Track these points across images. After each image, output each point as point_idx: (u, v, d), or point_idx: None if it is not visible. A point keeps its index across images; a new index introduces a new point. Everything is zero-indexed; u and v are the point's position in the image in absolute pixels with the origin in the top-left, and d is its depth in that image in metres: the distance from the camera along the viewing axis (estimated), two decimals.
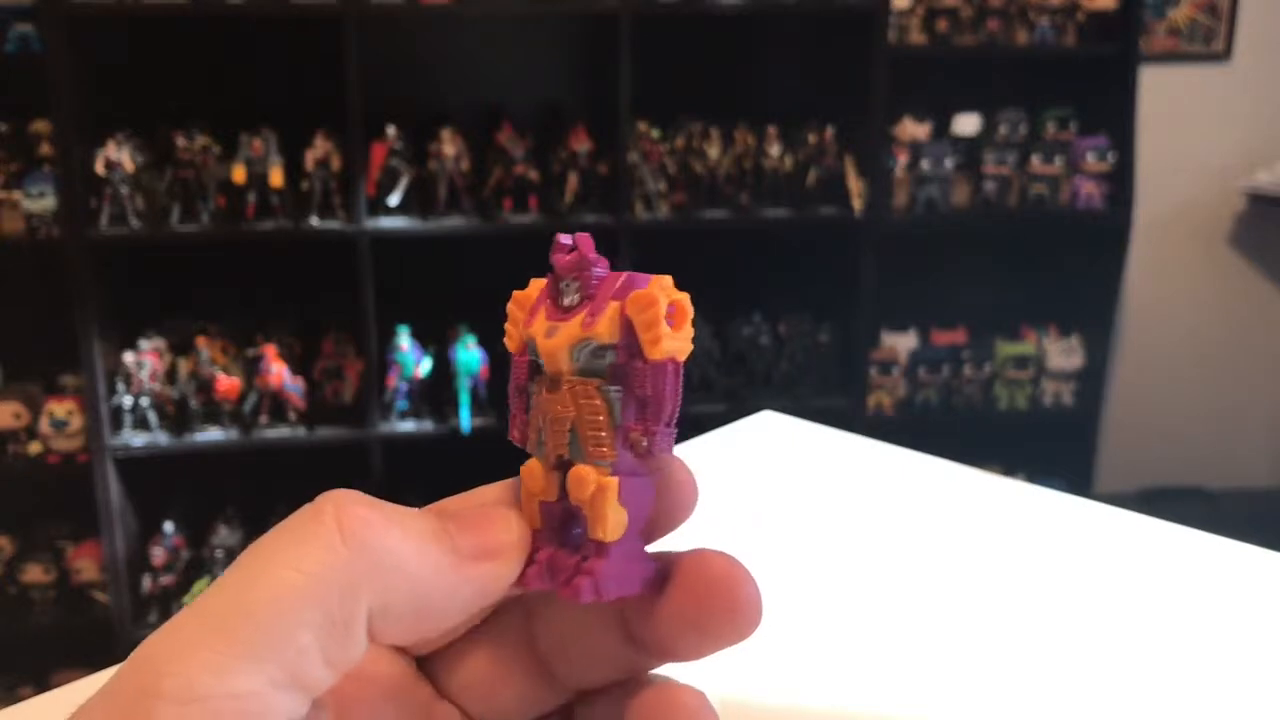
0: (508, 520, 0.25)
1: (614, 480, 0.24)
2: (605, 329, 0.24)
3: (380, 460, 2.18)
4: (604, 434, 0.24)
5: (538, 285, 0.26)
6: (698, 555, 0.25)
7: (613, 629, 0.26)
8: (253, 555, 0.23)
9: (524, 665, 0.26)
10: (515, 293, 0.26)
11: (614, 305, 0.24)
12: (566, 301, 0.25)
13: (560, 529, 0.25)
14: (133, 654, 0.22)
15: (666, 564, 0.25)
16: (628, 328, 0.24)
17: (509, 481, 0.27)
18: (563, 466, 0.25)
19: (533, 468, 0.25)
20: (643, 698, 0.25)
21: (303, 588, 0.22)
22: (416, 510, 0.24)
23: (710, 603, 0.24)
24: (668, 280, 0.24)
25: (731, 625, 0.24)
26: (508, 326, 0.26)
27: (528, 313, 0.26)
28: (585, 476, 0.24)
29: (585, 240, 0.25)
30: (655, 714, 0.25)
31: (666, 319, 0.24)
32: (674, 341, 0.24)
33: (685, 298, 0.24)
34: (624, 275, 0.25)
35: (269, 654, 0.21)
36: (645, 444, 0.24)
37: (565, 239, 0.26)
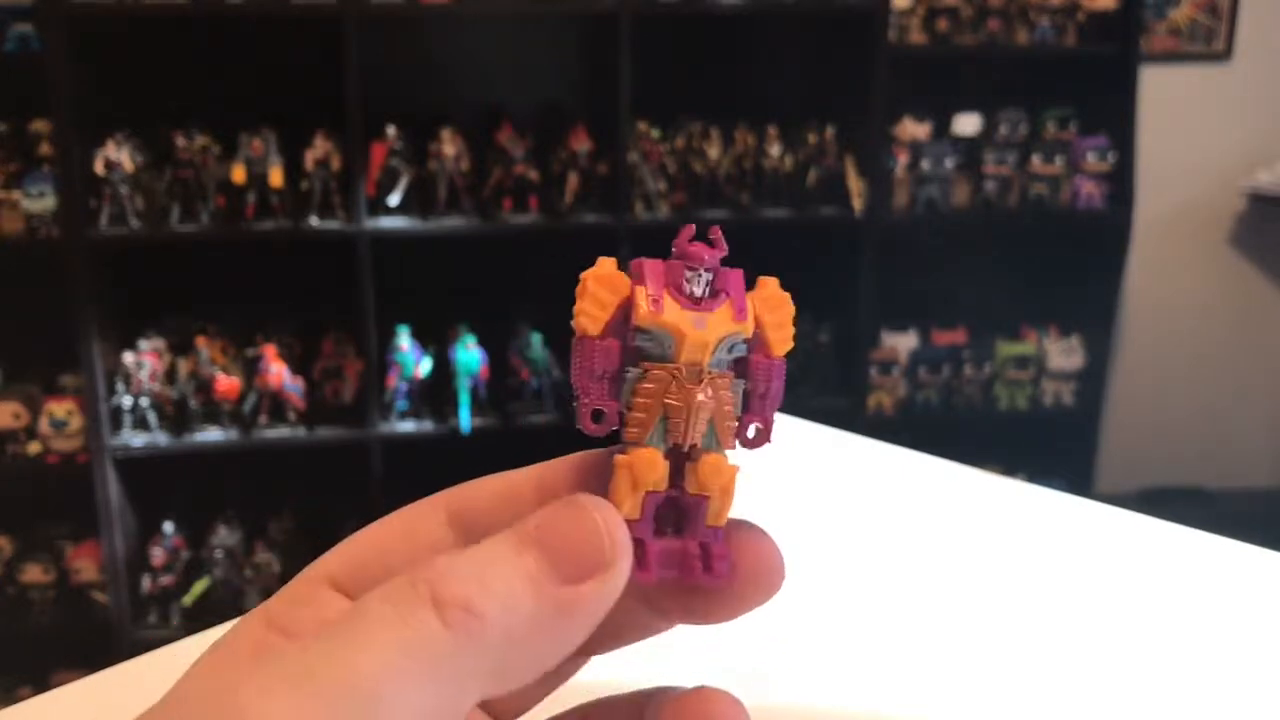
0: (604, 521, 0.23)
1: (737, 467, 0.25)
2: (752, 324, 0.25)
3: (380, 460, 2.18)
4: (734, 424, 0.25)
5: (611, 264, 0.25)
6: (728, 528, 0.26)
7: (632, 599, 0.25)
8: (351, 627, 0.21)
9: None
10: (595, 271, 0.25)
11: (751, 301, 0.25)
12: (698, 292, 0.25)
13: (657, 520, 0.25)
14: (197, 678, 0.21)
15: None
16: (755, 324, 0.26)
17: (559, 465, 0.26)
18: (670, 456, 0.25)
19: (653, 457, 0.25)
20: (681, 707, 0.25)
21: (405, 672, 0.20)
22: (502, 541, 0.22)
23: (746, 577, 0.25)
24: (776, 281, 0.26)
25: (767, 593, 0.25)
26: (588, 307, 0.25)
27: (633, 296, 0.25)
28: (722, 464, 0.25)
29: (718, 233, 0.26)
30: None
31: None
32: (792, 341, 0.26)
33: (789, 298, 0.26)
34: (739, 271, 0.26)
35: None
36: (761, 434, 0.26)
37: (692, 228, 0.26)
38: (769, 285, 0.26)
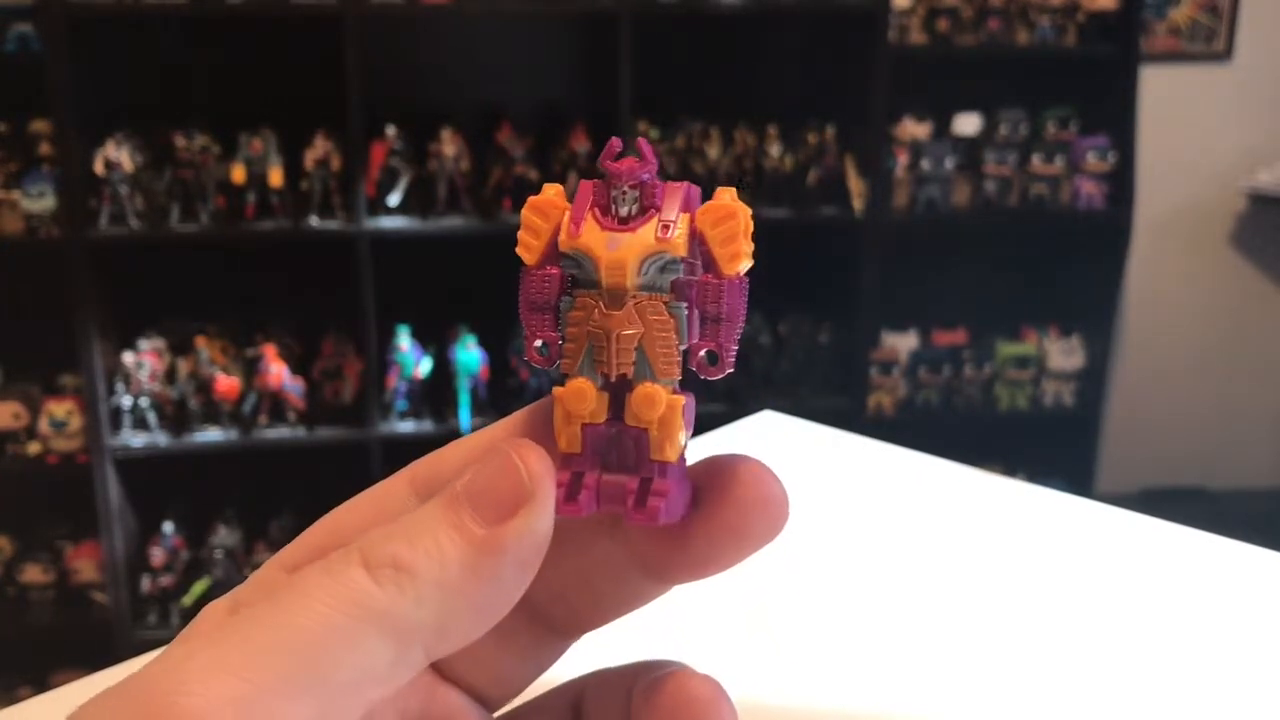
0: (521, 459, 0.22)
1: (682, 398, 0.24)
2: (682, 242, 0.23)
3: (380, 461, 2.18)
4: (673, 352, 0.24)
5: (555, 191, 0.24)
6: (724, 464, 0.24)
7: (621, 557, 0.25)
8: (285, 594, 0.21)
9: (521, 620, 0.25)
10: (532, 198, 0.24)
11: (685, 217, 0.23)
12: (624, 211, 0.24)
13: (601, 453, 0.24)
14: (154, 661, 0.21)
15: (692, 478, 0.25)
16: (697, 241, 0.24)
17: (513, 418, 0.25)
18: (610, 387, 0.24)
19: (583, 388, 0.23)
20: (657, 690, 0.24)
21: (345, 629, 0.20)
22: (434, 505, 0.22)
23: (750, 510, 0.24)
24: (733, 192, 0.24)
25: (769, 527, 0.24)
26: (524, 236, 0.24)
27: (562, 221, 0.24)
28: (656, 395, 0.23)
29: (646, 146, 0.24)
30: (672, 706, 0.24)
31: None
32: (748, 257, 0.24)
33: (749, 211, 0.24)
34: (684, 185, 0.24)
35: (303, 692, 0.20)
36: (718, 361, 0.24)
37: (618, 143, 0.24)
38: (716, 198, 0.24)
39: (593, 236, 0.23)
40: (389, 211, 2.13)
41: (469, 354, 2.17)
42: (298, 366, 2.19)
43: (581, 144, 2.18)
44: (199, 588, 2.14)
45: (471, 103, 2.30)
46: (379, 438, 2.17)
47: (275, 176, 2.07)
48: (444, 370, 2.20)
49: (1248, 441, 2.92)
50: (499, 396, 2.24)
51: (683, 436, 0.24)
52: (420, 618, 0.21)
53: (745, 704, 0.44)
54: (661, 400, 0.23)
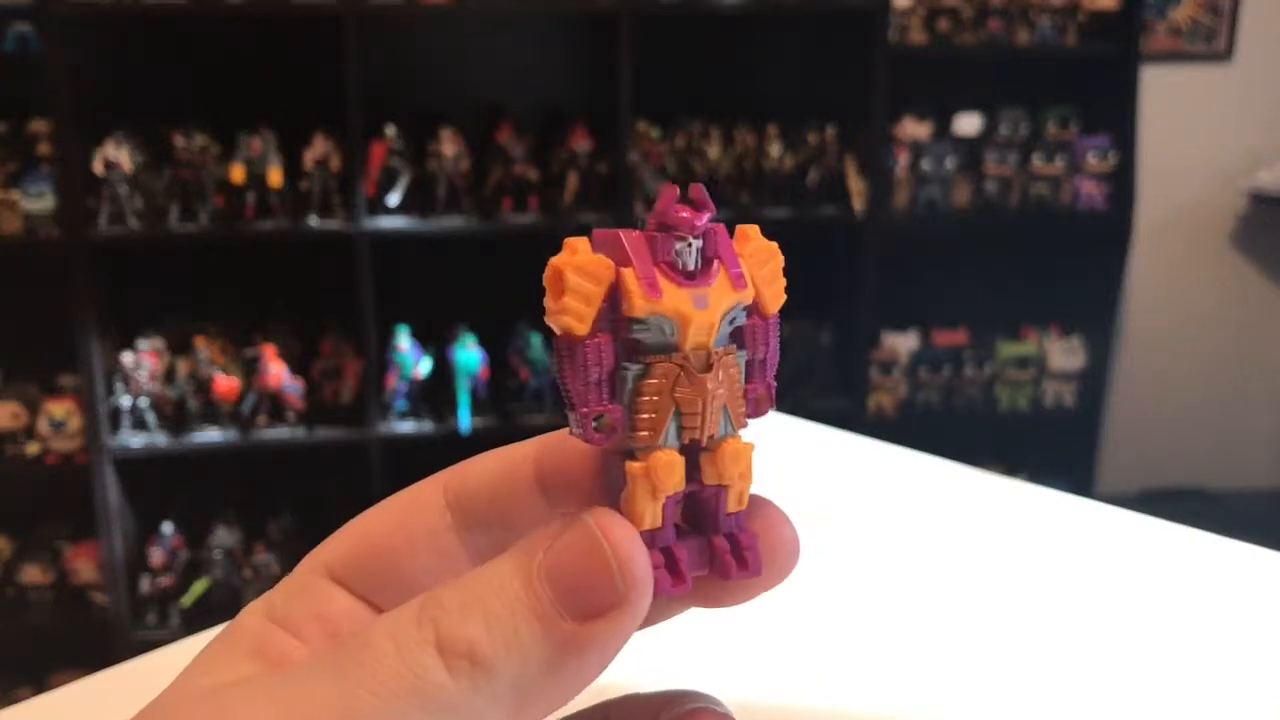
0: (618, 553, 0.21)
1: (752, 444, 0.23)
2: (753, 291, 0.23)
3: (379, 461, 2.18)
4: (743, 401, 0.23)
5: (585, 246, 0.22)
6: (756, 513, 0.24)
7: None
8: (357, 657, 0.20)
9: None
10: (576, 261, 0.22)
11: (743, 261, 0.23)
12: (690, 265, 0.22)
13: (672, 519, 0.23)
14: (205, 690, 0.20)
15: None
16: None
17: (557, 441, 0.24)
18: (684, 450, 0.23)
19: (674, 461, 0.22)
20: None
21: (409, 718, 0.19)
22: (510, 577, 0.21)
23: (771, 561, 0.24)
24: (757, 229, 0.23)
25: (778, 572, 0.24)
26: (572, 303, 0.22)
27: (620, 283, 0.22)
28: (741, 450, 0.23)
29: (703, 192, 0.22)
30: None
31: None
32: (784, 293, 0.23)
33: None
34: (721, 227, 0.23)
35: None
36: (766, 401, 0.24)
37: (675, 189, 0.22)
38: (753, 237, 0.23)
39: (677, 298, 0.22)
40: (389, 211, 2.13)
41: (468, 354, 2.16)
42: (297, 367, 2.18)
43: (582, 144, 2.18)
44: (198, 588, 2.14)
45: (471, 103, 2.30)
46: (378, 438, 2.17)
47: (275, 176, 2.06)
48: (443, 370, 2.20)
49: (1248, 442, 2.92)
50: (499, 396, 2.23)
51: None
52: (491, 714, 0.20)
53: (746, 702, 0.43)
54: (745, 454, 0.23)
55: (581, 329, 0.22)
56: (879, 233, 2.31)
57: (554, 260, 0.22)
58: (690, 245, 0.22)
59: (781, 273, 0.23)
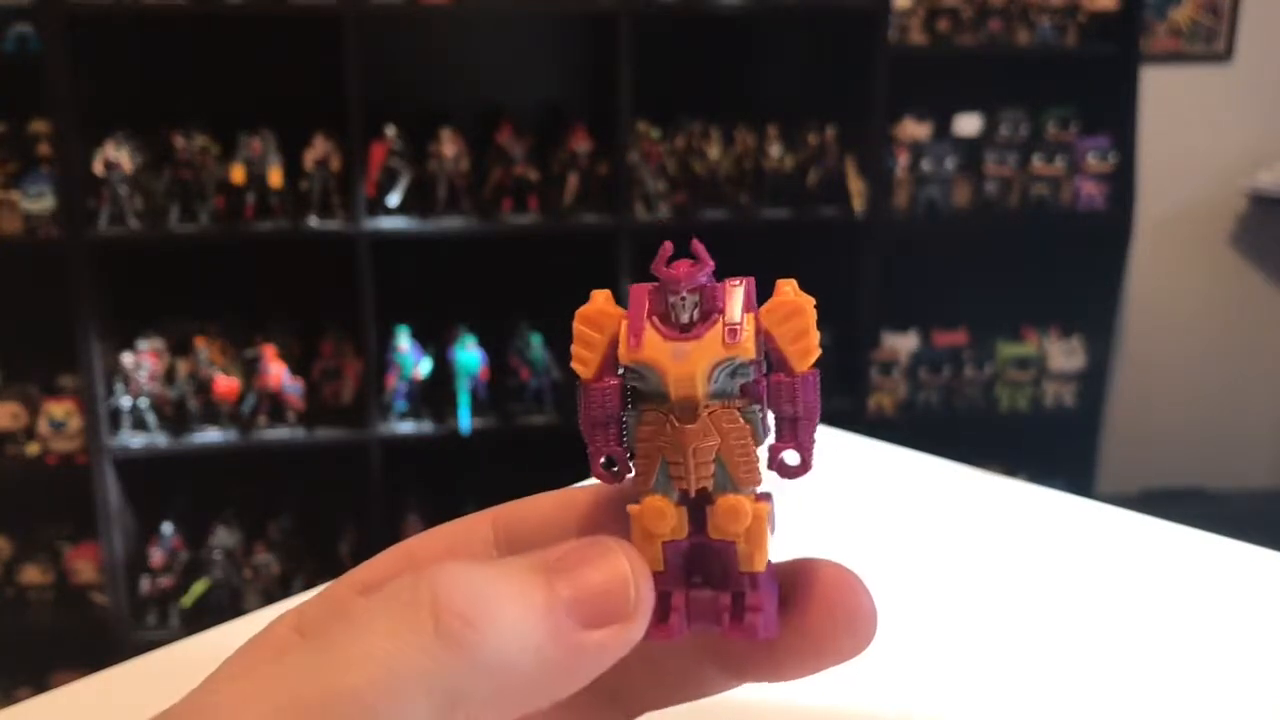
0: (631, 571, 0.21)
1: (767, 506, 0.23)
2: (750, 345, 0.22)
3: (379, 461, 2.18)
4: (752, 459, 0.23)
5: (604, 298, 0.23)
6: (811, 570, 0.24)
7: (697, 647, 0.24)
8: (344, 632, 0.20)
9: (584, 692, 0.24)
10: (582, 310, 0.23)
11: (750, 317, 0.22)
12: (685, 318, 0.22)
13: (684, 569, 0.23)
14: (194, 697, 0.20)
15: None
16: (763, 339, 0.23)
17: (598, 492, 0.24)
18: (689, 501, 0.23)
19: (661, 507, 0.22)
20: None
21: (393, 689, 0.19)
22: (519, 567, 0.21)
23: (834, 625, 0.23)
24: (794, 284, 0.23)
25: (858, 643, 0.23)
26: (578, 350, 0.23)
27: (618, 333, 0.23)
28: (740, 507, 0.22)
29: (701, 248, 0.23)
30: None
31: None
32: (818, 350, 0.23)
33: (813, 301, 0.23)
34: (743, 282, 0.23)
35: None
36: (801, 461, 0.23)
37: (670, 246, 0.23)
38: (779, 293, 0.23)
39: (656, 348, 0.22)
40: (389, 212, 2.13)
41: (468, 354, 2.16)
42: (297, 367, 2.18)
43: (582, 144, 2.18)
44: (198, 588, 2.14)
45: (471, 103, 2.30)
46: (378, 438, 2.17)
47: (275, 177, 2.06)
48: (443, 371, 2.20)
49: (1248, 442, 2.92)
50: (499, 397, 2.23)
51: (770, 544, 0.23)
52: (476, 686, 0.20)
53: (747, 702, 0.43)
54: (746, 511, 0.22)
55: (586, 373, 0.23)
56: (879, 233, 2.31)
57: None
58: (684, 300, 0.22)
59: (810, 329, 0.23)
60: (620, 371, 0.23)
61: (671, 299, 0.22)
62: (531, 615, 0.20)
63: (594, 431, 0.23)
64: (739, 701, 0.44)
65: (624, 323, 0.23)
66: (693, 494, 0.23)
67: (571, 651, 0.21)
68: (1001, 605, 0.55)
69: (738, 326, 0.22)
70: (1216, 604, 0.56)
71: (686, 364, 0.22)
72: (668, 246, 0.23)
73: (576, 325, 0.23)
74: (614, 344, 0.23)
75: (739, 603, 0.23)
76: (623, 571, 0.21)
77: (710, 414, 0.22)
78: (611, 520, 0.24)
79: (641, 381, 0.23)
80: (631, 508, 0.23)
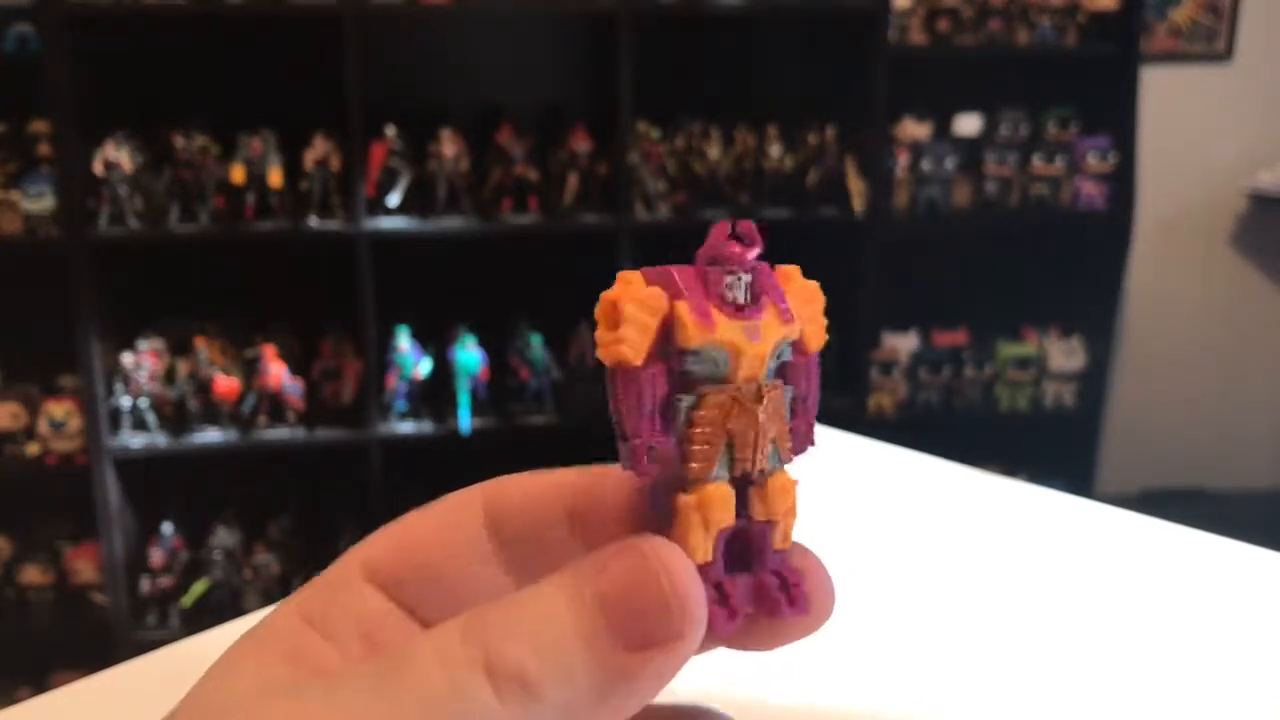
0: (674, 585, 0.20)
1: (797, 479, 0.23)
2: (798, 326, 0.23)
3: (379, 461, 2.18)
4: (788, 436, 0.23)
5: (638, 279, 0.23)
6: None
7: None
8: (399, 680, 0.19)
9: None
10: (634, 293, 0.22)
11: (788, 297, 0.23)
12: (740, 299, 0.23)
13: (721, 554, 0.23)
14: (210, 682, 0.20)
15: None
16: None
17: (606, 475, 0.24)
18: (734, 484, 0.23)
19: (727, 494, 0.22)
20: None
21: None
22: (562, 602, 0.21)
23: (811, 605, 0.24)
24: (798, 270, 0.24)
25: (819, 621, 0.24)
26: (630, 333, 0.22)
27: (672, 315, 0.22)
28: (789, 485, 0.23)
29: (752, 228, 0.23)
30: None
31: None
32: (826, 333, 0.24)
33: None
34: (764, 266, 0.24)
35: None
36: (807, 438, 0.24)
37: (727, 225, 0.23)
38: (796, 277, 0.24)
39: (730, 330, 0.22)
40: (389, 212, 2.13)
41: (468, 354, 2.16)
42: (297, 367, 2.18)
43: (582, 144, 2.18)
44: (198, 588, 2.14)
45: (471, 103, 2.30)
46: (378, 438, 2.17)
47: (275, 177, 2.06)
48: (443, 371, 2.20)
49: (1248, 442, 2.92)
50: (499, 397, 2.23)
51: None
52: None
53: (747, 702, 0.43)
54: (791, 489, 0.23)
55: (636, 359, 0.22)
56: (879, 233, 2.31)
57: (607, 293, 0.22)
58: (740, 280, 0.23)
59: (823, 313, 0.24)
60: (672, 356, 0.23)
61: (729, 279, 0.23)
62: (577, 650, 0.20)
63: (640, 422, 0.22)
64: (738, 702, 0.44)
65: (681, 304, 0.22)
66: (754, 476, 0.23)
67: (622, 678, 0.20)
68: (1002, 606, 0.55)
69: (789, 307, 0.23)
70: (1216, 604, 0.56)
71: (762, 343, 0.23)
72: (725, 226, 0.23)
73: (628, 307, 0.22)
74: (662, 329, 0.22)
75: (783, 582, 0.23)
76: (661, 587, 0.20)
77: (769, 393, 0.23)
78: (615, 505, 0.24)
79: (699, 365, 0.22)
80: (685, 498, 0.22)
